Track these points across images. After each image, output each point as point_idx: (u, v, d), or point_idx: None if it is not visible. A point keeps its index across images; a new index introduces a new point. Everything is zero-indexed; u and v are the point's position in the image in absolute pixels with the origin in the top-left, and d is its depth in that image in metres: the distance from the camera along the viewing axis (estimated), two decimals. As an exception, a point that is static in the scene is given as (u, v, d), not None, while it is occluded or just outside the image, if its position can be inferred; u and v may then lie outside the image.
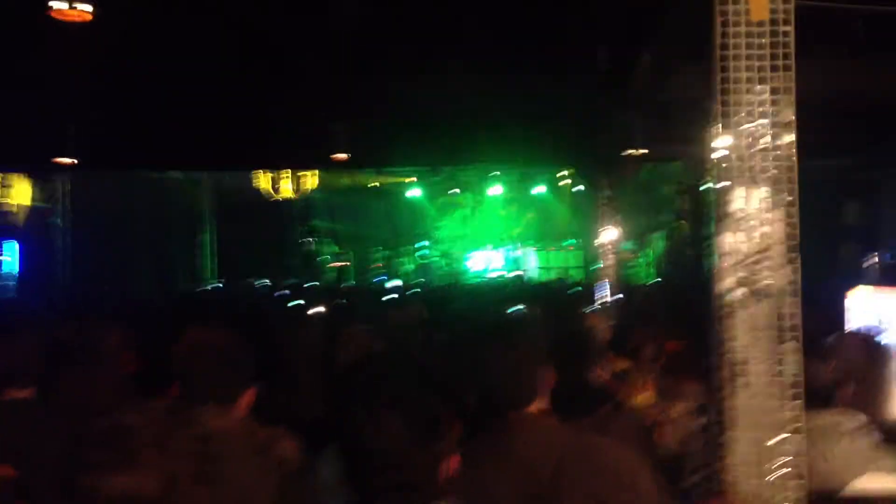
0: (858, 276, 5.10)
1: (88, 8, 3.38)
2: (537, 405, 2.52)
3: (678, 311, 7.89)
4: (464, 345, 2.67)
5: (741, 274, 2.59)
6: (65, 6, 3.23)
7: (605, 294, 10.85)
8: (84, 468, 1.68)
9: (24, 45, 5.72)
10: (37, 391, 3.54)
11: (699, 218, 23.74)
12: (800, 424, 2.49)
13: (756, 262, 2.58)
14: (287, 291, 14.96)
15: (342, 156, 9.25)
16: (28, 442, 3.23)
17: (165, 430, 1.70)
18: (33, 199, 18.49)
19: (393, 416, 2.28)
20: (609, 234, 11.01)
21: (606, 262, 11.05)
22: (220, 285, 22.28)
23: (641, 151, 7.94)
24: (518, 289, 16.50)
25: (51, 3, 3.20)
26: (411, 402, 2.35)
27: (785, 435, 2.49)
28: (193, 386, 2.82)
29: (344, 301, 11.81)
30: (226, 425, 1.82)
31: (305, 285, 17.16)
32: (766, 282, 2.58)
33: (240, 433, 1.88)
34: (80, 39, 4.17)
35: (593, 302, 10.39)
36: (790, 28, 2.53)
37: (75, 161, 9.01)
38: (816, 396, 2.81)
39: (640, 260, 25.76)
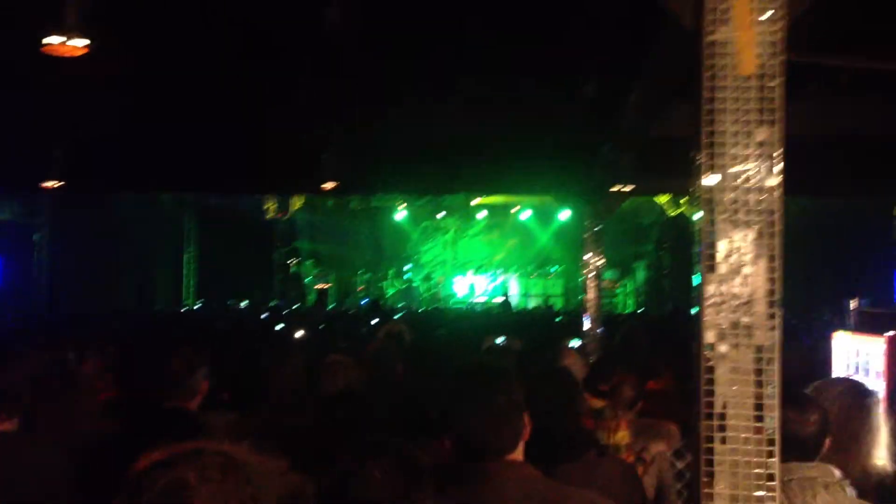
0: (837, 323, 5.14)
1: (82, 43, 3.37)
2: (517, 453, 2.51)
3: (658, 345, 7.92)
4: (445, 388, 2.65)
5: (723, 325, 2.59)
6: (57, 41, 3.22)
7: (587, 325, 10.85)
8: None
9: (8, 71, 5.70)
10: (20, 422, 3.50)
11: (680, 249, 23.96)
12: (775, 483, 2.49)
13: (738, 314, 2.58)
14: (269, 314, 14.92)
15: (330, 184, 9.25)
16: (13, 476, 3.19)
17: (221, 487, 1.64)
18: (13, 215, 18.38)
19: (376, 465, 2.26)
20: (592, 263, 11.02)
21: (588, 291, 11.05)
22: (201, 305, 22.20)
23: (628, 187, 7.98)
24: (502, 317, 16.55)
25: (45, 40, 3.19)
26: (394, 452, 2.33)
27: (762, 493, 2.49)
28: None
29: (327, 325, 11.79)
30: (264, 467, 1.77)
31: (286, 311, 17.09)
32: (747, 334, 2.58)
33: (275, 473, 1.82)
34: (68, 66, 4.17)
35: (577, 333, 10.39)
36: (777, 82, 2.54)
37: (61, 183, 8.95)
38: (797, 448, 2.81)
39: (620, 290, 25.89)
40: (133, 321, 13.07)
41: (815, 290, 14.80)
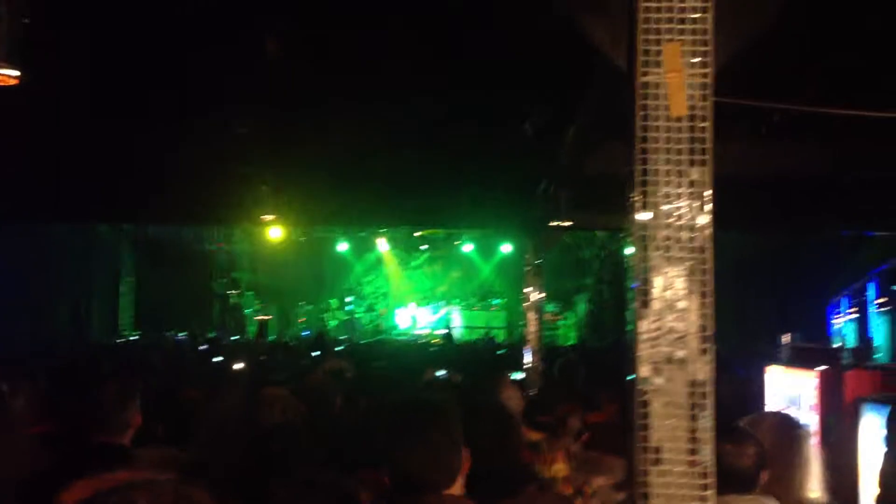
0: (770, 357, 5.27)
1: (14, 73, 3.31)
2: (455, 487, 2.51)
3: (597, 377, 7.99)
4: (383, 422, 2.65)
5: (657, 359, 2.63)
6: (-9, 71, 3.19)
7: (528, 358, 10.91)
8: None
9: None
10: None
11: (620, 283, 24.22)
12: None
13: (672, 348, 2.63)
14: (207, 346, 14.70)
15: (269, 217, 9.20)
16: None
17: None
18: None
19: (312, 497, 2.25)
20: (533, 296, 11.11)
21: (529, 324, 11.12)
22: (138, 336, 21.79)
23: (566, 223, 8.08)
24: (444, 349, 16.54)
25: (-25, 70, 3.16)
26: (330, 486, 2.32)
27: (698, 525, 2.52)
28: None
29: (265, 358, 11.66)
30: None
31: (224, 342, 16.87)
32: (681, 368, 2.62)
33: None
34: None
35: (518, 366, 10.43)
36: (707, 124, 2.61)
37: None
38: (735, 481, 2.86)
39: (562, 322, 26.09)
40: (67, 352, 12.77)
41: (748, 325, 15.08)
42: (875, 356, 10.71)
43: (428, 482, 2.44)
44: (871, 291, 15.18)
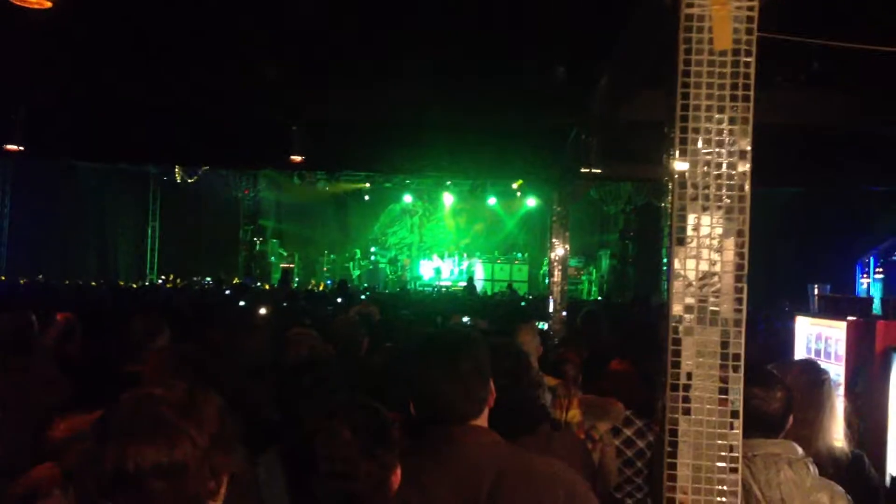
0: (799, 309, 5.23)
1: (49, -5, 3.32)
2: (482, 419, 2.51)
3: (619, 330, 7.99)
4: (412, 352, 2.64)
5: (690, 300, 2.61)
6: (24, -8, 3.17)
7: (551, 308, 10.92)
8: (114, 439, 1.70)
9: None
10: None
11: (644, 239, 24.15)
12: (738, 454, 2.52)
13: (705, 289, 2.61)
14: (232, 291, 14.82)
15: (298, 158, 9.18)
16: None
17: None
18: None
19: (343, 423, 2.25)
20: (557, 250, 11.08)
21: (553, 278, 11.11)
22: (163, 281, 21.99)
23: (595, 170, 8.00)
24: (467, 300, 16.58)
25: (11, -11, 3.15)
26: (361, 410, 2.33)
27: (723, 465, 2.52)
28: None
29: (291, 303, 11.74)
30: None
31: (249, 288, 16.99)
32: (713, 308, 2.61)
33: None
34: (32, 24, 4.09)
35: (542, 317, 10.45)
36: (751, 59, 2.56)
37: (21, 148, 8.77)
38: (762, 424, 2.85)
39: (585, 277, 26.05)
40: (94, 294, 12.93)
41: (776, 277, 15.00)
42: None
43: (456, 412, 2.44)
44: (900, 252, 15.05)
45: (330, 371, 3.65)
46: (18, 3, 3.24)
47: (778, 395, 2.98)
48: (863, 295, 15.73)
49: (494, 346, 3.61)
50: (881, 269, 15.98)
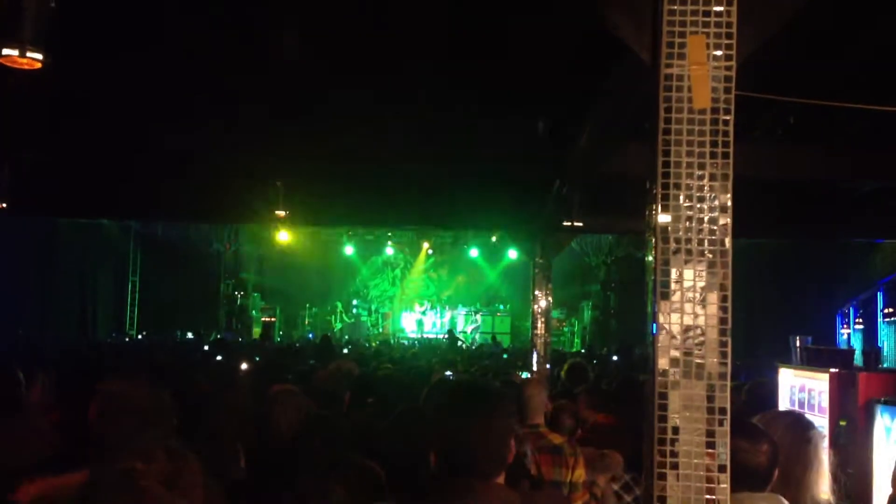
0: (781, 359, 5.26)
1: (40, 57, 3.32)
2: (501, 477, 2.49)
3: (603, 382, 7.98)
4: (442, 403, 2.60)
5: (675, 353, 2.63)
6: (15, 53, 3.17)
7: (535, 361, 10.90)
8: None
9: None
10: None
11: (626, 290, 24.23)
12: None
13: (689, 343, 2.63)
14: (210, 346, 14.71)
15: (281, 213, 9.20)
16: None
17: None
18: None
19: (337, 482, 2.23)
20: (540, 302, 11.10)
21: (536, 330, 11.12)
22: (143, 337, 21.80)
23: (577, 224, 8.06)
24: (450, 352, 16.53)
25: (3, 51, 3.15)
26: (355, 469, 2.31)
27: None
28: (111, 443, 2.69)
29: (272, 359, 11.65)
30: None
31: (230, 343, 16.86)
32: (698, 362, 2.62)
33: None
34: (17, 85, 4.11)
35: (526, 369, 10.43)
36: (730, 117, 2.62)
37: (4, 206, 8.74)
38: (748, 478, 2.84)
39: (567, 328, 26.07)
40: (74, 349, 12.78)
41: (757, 329, 15.06)
42: (883, 364, 10.70)
43: (482, 468, 2.41)
44: (879, 301, 15.16)
45: (324, 432, 3.61)
46: (8, 64, 3.26)
47: (764, 448, 2.97)
48: (843, 345, 15.81)
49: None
50: (861, 320, 16.09)
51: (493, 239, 23.50)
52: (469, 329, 25.79)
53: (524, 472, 3.50)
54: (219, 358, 11.52)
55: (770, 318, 16.01)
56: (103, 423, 2.77)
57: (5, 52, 3.24)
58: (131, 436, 2.65)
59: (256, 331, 24.34)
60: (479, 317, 26.67)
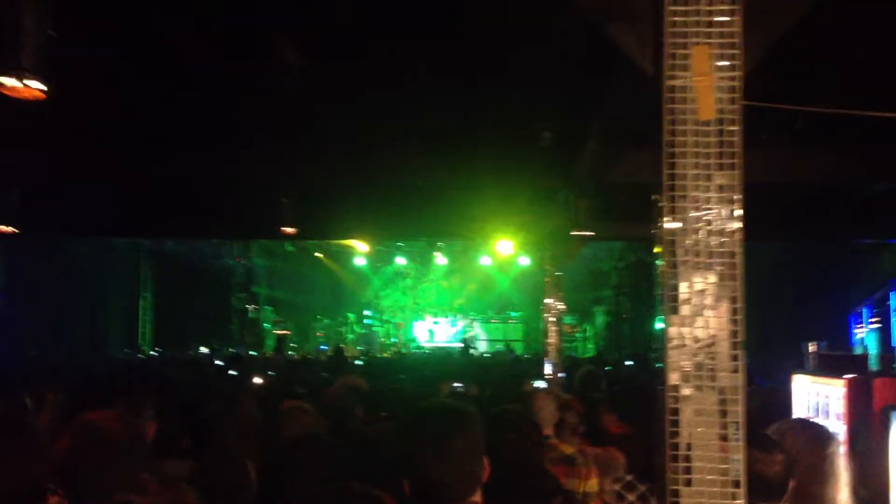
0: (795, 365, 5.23)
1: (41, 87, 3.32)
2: (476, 496, 2.47)
3: (618, 390, 7.92)
4: (402, 430, 2.60)
5: (687, 367, 2.60)
6: (15, 83, 3.18)
7: (548, 370, 10.86)
8: None
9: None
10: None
11: (638, 294, 24.15)
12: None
13: (701, 356, 2.60)
14: (224, 362, 14.71)
15: (289, 229, 9.21)
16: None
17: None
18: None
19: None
20: (551, 309, 11.07)
21: (549, 336, 11.09)
22: (156, 353, 21.82)
23: (587, 233, 8.04)
24: (461, 362, 16.49)
25: (2, 80, 3.15)
26: (357, 499, 2.28)
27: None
28: (84, 481, 2.65)
29: (282, 373, 11.63)
30: None
31: (244, 355, 16.86)
32: (711, 376, 2.59)
33: None
34: (25, 109, 4.13)
35: (539, 377, 10.38)
36: (736, 128, 2.59)
37: (16, 230, 8.78)
38: (763, 489, 2.81)
39: (580, 335, 25.98)
40: (85, 368, 12.79)
41: (769, 334, 14.96)
42: (899, 365, 10.58)
43: (449, 491, 2.39)
44: (893, 300, 15.04)
45: (322, 450, 3.58)
46: (12, 95, 3.27)
47: (778, 458, 2.94)
48: (858, 346, 15.69)
49: (500, 418, 3.54)
50: (877, 319, 15.96)
51: (504, 247, 23.45)
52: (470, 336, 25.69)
53: (555, 489, 3.45)
54: (232, 372, 11.53)
55: (782, 319, 15.91)
56: (76, 455, 2.75)
57: (5, 81, 3.25)
58: (105, 467, 2.63)
59: (269, 344, 24.35)
60: (476, 324, 26.60)
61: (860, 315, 16.51)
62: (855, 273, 15.99)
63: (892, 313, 14.96)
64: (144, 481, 1.77)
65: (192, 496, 1.81)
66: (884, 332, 15.61)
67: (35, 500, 2.64)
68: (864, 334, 16.22)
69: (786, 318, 16.08)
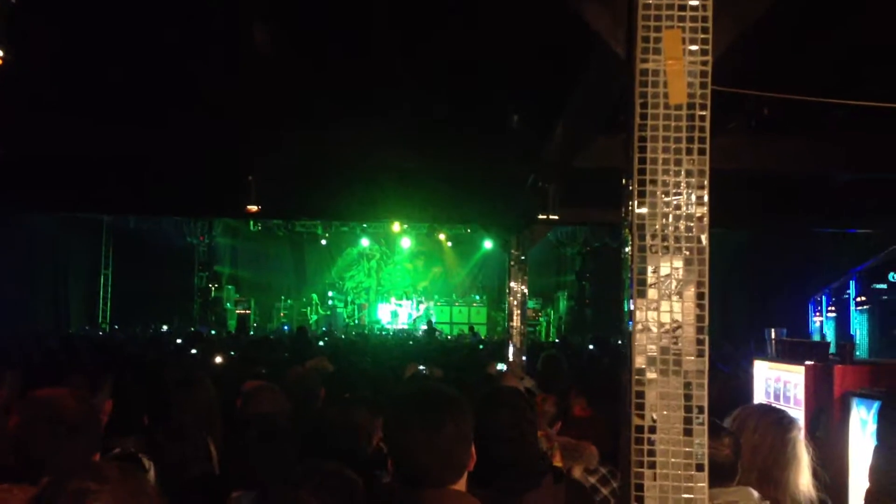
0: (755, 351, 5.28)
1: (0, 53, 3.24)
2: (460, 483, 2.45)
3: (579, 373, 7.98)
4: (391, 413, 2.57)
5: (652, 351, 2.61)
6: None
7: (511, 352, 10.90)
8: None
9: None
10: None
11: (601, 280, 24.32)
12: (705, 505, 2.50)
13: (666, 340, 2.61)
14: (185, 341, 14.57)
15: (253, 207, 9.11)
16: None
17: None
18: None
19: (310, 493, 2.18)
20: (516, 294, 11.10)
21: (512, 322, 11.13)
22: (117, 330, 21.59)
23: (553, 217, 8.05)
24: (424, 344, 16.50)
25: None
26: (329, 477, 2.25)
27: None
28: (35, 460, 2.59)
29: (244, 353, 11.55)
30: None
31: (205, 336, 16.70)
32: (675, 359, 2.60)
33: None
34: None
35: (501, 360, 10.41)
36: (706, 112, 2.59)
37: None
38: (715, 473, 2.83)
39: (543, 319, 26.13)
40: (45, 345, 12.62)
41: (730, 320, 15.15)
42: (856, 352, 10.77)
43: (435, 478, 2.37)
44: (851, 289, 15.30)
45: (284, 429, 3.55)
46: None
47: (726, 442, 2.98)
48: (816, 333, 15.94)
49: (493, 396, 3.52)
50: (833, 308, 16.23)
51: (469, 230, 23.47)
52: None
53: (546, 467, 3.44)
54: (193, 351, 11.42)
55: (741, 306, 16.12)
56: (26, 434, 2.68)
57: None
58: (56, 448, 2.57)
59: (231, 323, 24.19)
60: (422, 306, 26.66)
61: (819, 303, 16.78)
62: (814, 262, 16.23)
63: (851, 303, 15.22)
64: (104, 468, 1.73)
65: (152, 486, 1.77)
66: (840, 321, 15.89)
67: None
68: (822, 322, 16.49)
69: (744, 304, 16.31)
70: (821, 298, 16.71)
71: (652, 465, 2.55)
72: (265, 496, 2.25)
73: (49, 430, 2.62)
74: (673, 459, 2.54)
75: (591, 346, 15.18)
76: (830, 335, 15.57)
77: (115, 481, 1.68)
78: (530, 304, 21.40)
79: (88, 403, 2.89)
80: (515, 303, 11.09)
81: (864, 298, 14.96)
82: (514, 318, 11.04)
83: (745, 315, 15.64)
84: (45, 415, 2.68)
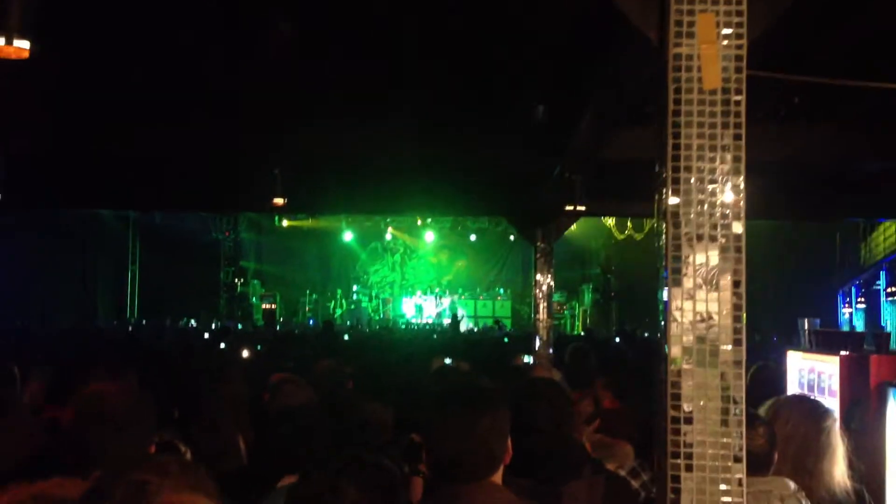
0: (787, 342, 5.22)
1: (26, 45, 3.22)
2: (496, 476, 2.44)
3: (606, 366, 7.93)
4: (429, 408, 2.56)
5: (688, 341, 2.56)
6: (1, 42, 3.08)
7: (537, 345, 10.85)
8: None
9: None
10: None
11: (626, 272, 24.19)
12: (741, 500, 2.46)
13: (702, 330, 2.56)
14: (213, 335, 14.67)
15: (279, 200, 9.12)
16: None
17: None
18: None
19: (349, 482, 2.17)
20: (541, 286, 11.05)
21: (538, 314, 11.07)
22: (145, 324, 21.75)
23: (580, 208, 7.99)
24: (449, 338, 16.50)
25: (-10, 39, 3.07)
26: (368, 467, 2.24)
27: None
28: (87, 455, 2.60)
29: (271, 347, 11.61)
30: None
31: (233, 328, 16.83)
32: (711, 350, 2.56)
33: None
34: (7, 74, 4.03)
35: (528, 353, 10.38)
36: (741, 97, 2.54)
37: (-1, 199, 8.66)
38: (750, 463, 2.79)
39: (567, 312, 26.06)
40: (74, 339, 12.74)
41: (759, 311, 15.02)
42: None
43: (471, 471, 2.36)
44: (881, 280, 15.11)
45: (313, 422, 3.55)
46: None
47: (760, 432, 2.96)
48: (845, 325, 15.79)
49: (531, 388, 3.50)
50: (863, 299, 16.05)
51: (494, 223, 23.41)
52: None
53: (585, 458, 3.42)
54: (222, 346, 11.51)
55: (770, 298, 15.96)
56: (80, 427, 2.71)
57: (-7, 40, 3.16)
58: (110, 440, 2.59)
59: (257, 318, 24.31)
60: (445, 301, 26.61)
61: (848, 294, 16.61)
62: (844, 253, 16.07)
63: (882, 293, 15.04)
64: (164, 462, 1.71)
65: (211, 483, 1.75)
66: (870, 312, 15.71)
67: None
68: (852, 313, 16.33)
69: (774, 295, 16.15)
70: (850, 289, 16.54)
71: (688, 457, 2.50)
72: (304, 484, 2.23)
73: (100, 425, 2.65)
74: (710, 451, 2.50)
75: (616, 339, 15.12)
76: (860, 326, 15.41)
77: (176, 475, 1.66)
78: (555, 297, 21.35)
79: (139, 397, 2.92)
80: (541, 295, 11.03)
81: (895, 289, 14.78)
82: (541, 310, 10.97)
83: (772, 306, 15.49)
84: (97, 410, 2.71)
